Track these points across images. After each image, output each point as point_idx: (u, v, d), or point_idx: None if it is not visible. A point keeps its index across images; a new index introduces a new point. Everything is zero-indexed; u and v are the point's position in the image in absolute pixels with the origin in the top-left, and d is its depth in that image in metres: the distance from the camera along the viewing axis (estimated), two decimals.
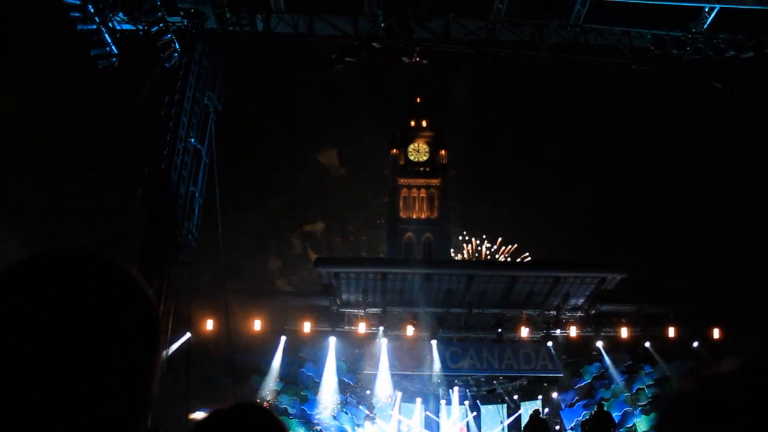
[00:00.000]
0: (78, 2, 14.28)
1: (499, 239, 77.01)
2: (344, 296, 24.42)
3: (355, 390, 25.25)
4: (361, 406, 25.00)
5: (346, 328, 24.35)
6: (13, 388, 0.85)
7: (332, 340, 24.07)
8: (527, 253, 73.68)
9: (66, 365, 0.87)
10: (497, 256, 76.39)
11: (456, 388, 27.65)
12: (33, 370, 0.86)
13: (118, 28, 15.41)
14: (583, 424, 20.68)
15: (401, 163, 69.22)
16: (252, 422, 1.58)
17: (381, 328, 24.07)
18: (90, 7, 14.45)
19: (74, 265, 0.96)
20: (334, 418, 23.82)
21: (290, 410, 23.36)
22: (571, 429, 24.62)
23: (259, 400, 23.01)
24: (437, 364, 24.78)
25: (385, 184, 72.68)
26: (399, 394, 26.74)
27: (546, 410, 26.18)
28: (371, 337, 24.43)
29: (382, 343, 24.37)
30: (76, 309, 0.91)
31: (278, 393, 23.58)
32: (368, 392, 25.66)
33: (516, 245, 75.58)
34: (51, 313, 0.89)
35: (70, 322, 0.89)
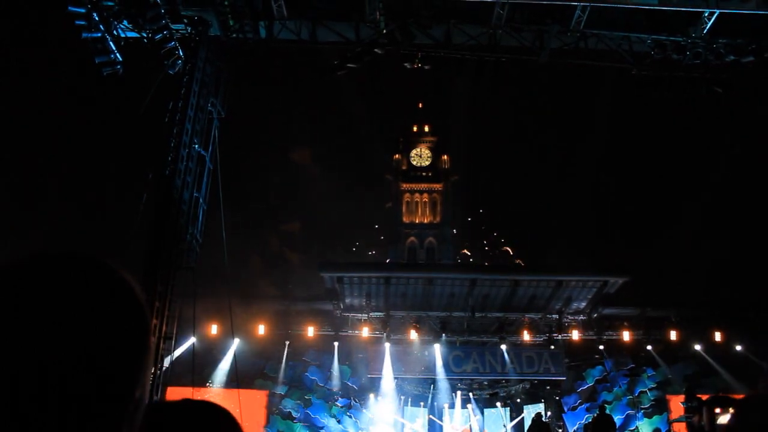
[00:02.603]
0: (83, 10, 14.41)
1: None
2: (347, 300, 24.50)
3: (358, 394, 25.32)
4: (364, 410, 25.07)
5: (350, 332, 24.45)
6: (15, 389, 0.84)
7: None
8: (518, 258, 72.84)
9: (67, 367, 0.86)
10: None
11: (459, 392, 27.70)
12: (35, 371, 0.85)
13: (123, 35, 15.51)
14: (586, 427, 20.76)
15: (404, 168, 69.40)
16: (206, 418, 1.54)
17: (384, 333, 24.19)
18: (95, 15, 14.57)
19: (60, 269, 0.94)
20: (338, 422, 23.91)
21: (294, 414, 23.48)
22: None
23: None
24: (440, 368, 24.86)
25: (378, 184, 72.47)
26: (402, 398, 26.80)
27: (548, 413, 26.24)
28: (375, 341, 24.52)
29: (386, 347, 24.47)
30: (58, 312, 0.89)
31: (282, 397, 23.69)
32: (372, 396, 25.73)
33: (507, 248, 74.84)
34: (32, 316, 0.87)
35: (50, 325, 0.87)
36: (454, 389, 27.52)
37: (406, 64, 16.91)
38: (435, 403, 27.66)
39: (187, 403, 1.55)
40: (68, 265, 0.95)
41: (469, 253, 70.67)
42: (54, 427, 0.85)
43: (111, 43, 15.12)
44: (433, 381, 26.46)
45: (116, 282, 0.98)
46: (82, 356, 0.88)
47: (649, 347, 24.84)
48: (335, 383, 24.45)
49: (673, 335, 23.72)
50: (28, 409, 0.84)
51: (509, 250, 72.14)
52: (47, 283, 0.92)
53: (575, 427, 24.66)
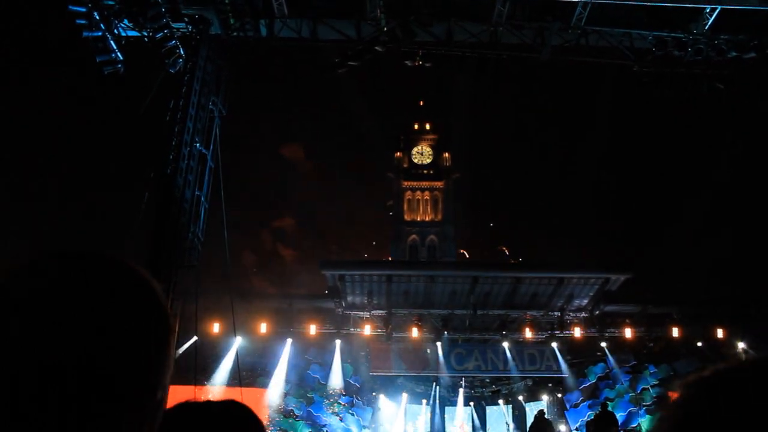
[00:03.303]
0: (84, 9, 14.40)
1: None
2: (349, 298, 24.50)
3: (361, 392, 25.34)
4: (366, 408, 25.09)
5: (352, 330, 24.46)
6: (15, 389, 0.84)
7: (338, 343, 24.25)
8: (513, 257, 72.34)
9: (68, 368, 0.85)
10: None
11: (461, 389, 27.73)
12: (35, 371, 0.84)
13: (124, 34, 15.51)
14: (588, 424, 20.76)
15: (405, 165, 69.41)
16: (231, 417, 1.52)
17: (386, 330, 24.20)
18: (96, 14, 14.57)
19: (81, 266, 0.94)
20: (341, 420, 23.92)
21: (297, 412, 23.49)
22: (576, 429, 24.68)
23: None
24: (442, 366, 24.87)
25: (380, 182, 72.33)
26: (405, 395, 26.82)
27: (551, 411, 26.25)
28: (377, 339, 24.53)
29: (388, 345, 24.47)
30: (81, 310, 0.89)
31: (285, 395, 23.70)
32: (374, 394, 25.75)
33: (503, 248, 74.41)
34: (55, 314, 0.87)
35: (74, 324, 0.87)
36: (455, 387, 27.55)
37: (407, 62, 16.91)
38: (437, 401, 27.69)
39: (210, 403, 1.54)
40: (70, 264, 0.94)
41: (467, 254, 70.60)
42: (54, 427, 0.84)
43: (112, 42, 15.12)
44: (435, 378, 26.49)
45: (121, 282, 0.96)
46: (82, 356, 0.86)
47: (651, 344, 24.83)
48: (337, 381, 24.46)
49: (675, 332, 23.69)
50: (28, 409, 0.83)
51: (505, 250, 72.01)
52: (47, 283, 0.91)
53: (577, 425, 24.67)
